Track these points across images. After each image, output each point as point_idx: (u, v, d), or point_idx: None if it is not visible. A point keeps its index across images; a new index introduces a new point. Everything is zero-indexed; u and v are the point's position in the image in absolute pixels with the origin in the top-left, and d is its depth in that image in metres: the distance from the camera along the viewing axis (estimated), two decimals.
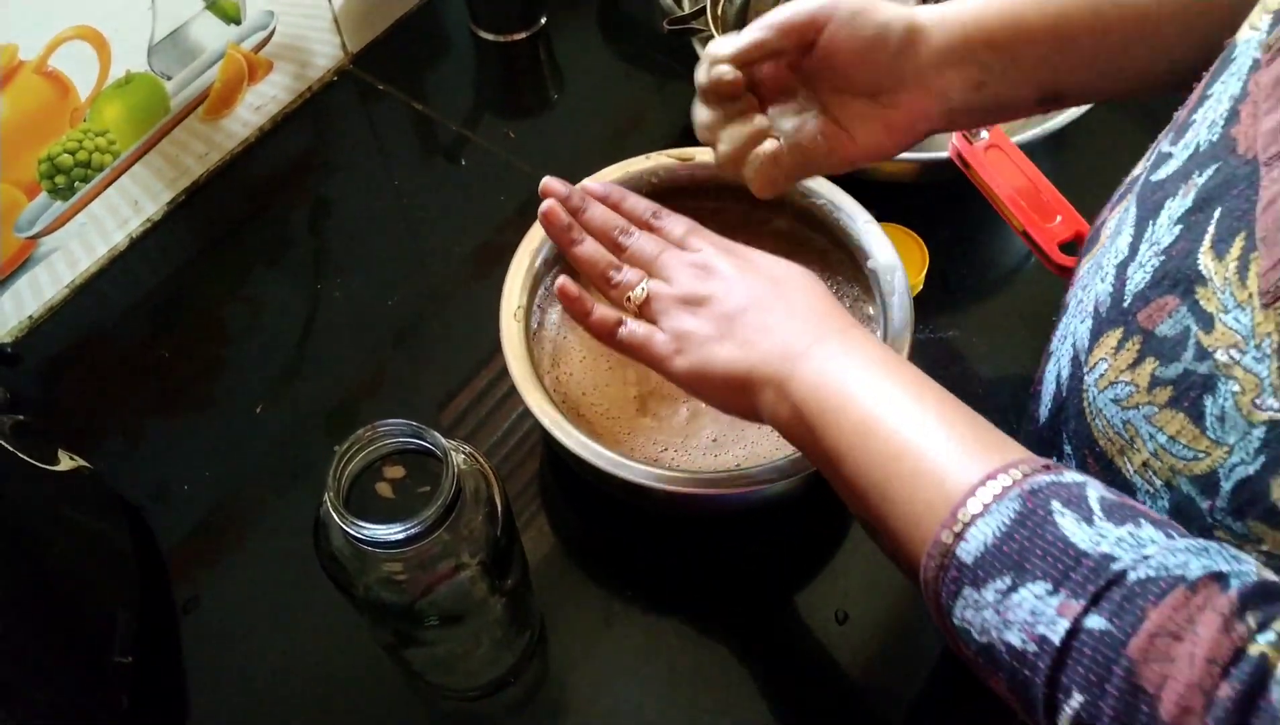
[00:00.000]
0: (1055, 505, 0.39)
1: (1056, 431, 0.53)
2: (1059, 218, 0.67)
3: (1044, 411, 0.56)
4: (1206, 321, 0.41)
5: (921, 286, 0.76)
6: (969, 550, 0.40)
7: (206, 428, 0.77)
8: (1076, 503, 0.39)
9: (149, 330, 0.82)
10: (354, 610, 0.54)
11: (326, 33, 0.92)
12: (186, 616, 0.69)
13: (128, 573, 0.69)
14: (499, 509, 0.55)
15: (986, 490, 0.40)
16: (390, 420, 0.51)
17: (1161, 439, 0.44)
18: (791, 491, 0.64)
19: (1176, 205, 0.45)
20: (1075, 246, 0.66)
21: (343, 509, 0.48)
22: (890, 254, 0.67)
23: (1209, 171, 0.44)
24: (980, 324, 0.78)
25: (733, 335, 0.53)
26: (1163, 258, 0.45)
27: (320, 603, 0.62)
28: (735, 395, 0.53)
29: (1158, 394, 0.44)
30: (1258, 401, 0.39)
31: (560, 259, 0.73)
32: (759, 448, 0.67)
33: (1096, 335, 0.49)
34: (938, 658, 0.68)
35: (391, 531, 0.48)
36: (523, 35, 0.96)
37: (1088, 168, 0.83)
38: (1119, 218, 0.52)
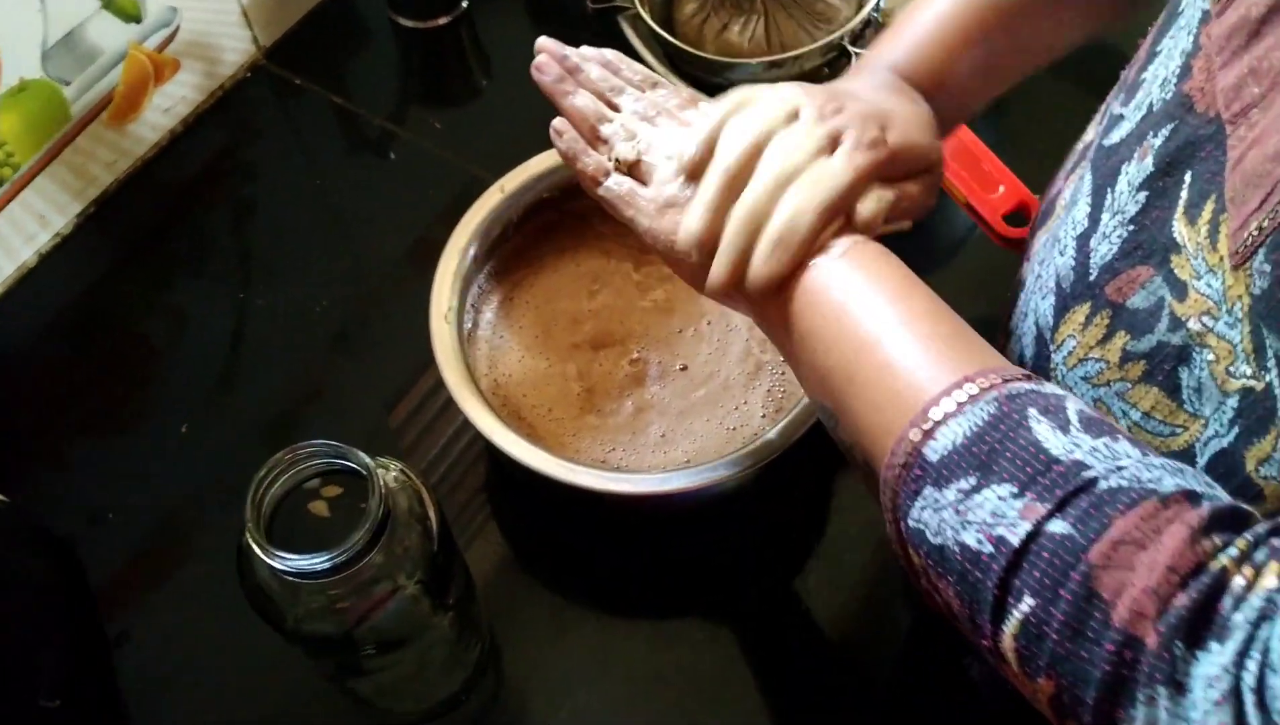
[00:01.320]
0: (1032, 412, 0.37)
1: None
2: (1002, 188, 0.65)
3: None
4: (1180, 290, 0.40)
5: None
6: (936, 449, 0.38)
7: (135, 450, 0.73)
8: (1054, 412, 0.37)
9: (67, 350, 0.78)
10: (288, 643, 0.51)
11: (236, 27, 0.87)
12: (118, 651, 0.66)
13: (53, 610, 0.65)
14: (434, 524, 0.52)
15: (962, 392, 0.39)
16: (312, 442, 0.48)
17: (1135, 416, 0.43)
18: (745, 485, 0.62)
19: (1135, 170, 0.44)
20: (1021, 217, 0.65)
21: (263, 539, 0.46)
22: None
23: (1165, 132, 0.42)
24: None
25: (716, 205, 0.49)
26: (1131, 228, 0.43)
27: (262, 632, 0.58)
28: (703, 268, 0.49)
29: (1130, 369, 0.43)
30: (1231, 369, 0.38)
31: (492, 254, 0.70)
32: (708, 441, 0.64)
33: (1061, 312, 0.47)
34: (904, 645, 0.67)
35: (316, 561, 0.45)
36: (444, 20, 0.93)
37: (1029, 133, 0.81)
38: (1074, 187, 0.51)
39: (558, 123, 0.54)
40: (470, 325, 0.68)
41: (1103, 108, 0.55)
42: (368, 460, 0.47)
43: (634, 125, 0.53)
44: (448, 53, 0.93)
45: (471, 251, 0.67)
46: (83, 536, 0.70)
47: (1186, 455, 0.41)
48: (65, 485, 0.72)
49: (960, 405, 0.38)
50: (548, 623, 0.66)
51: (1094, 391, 0.45)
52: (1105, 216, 0.45)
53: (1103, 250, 0.45)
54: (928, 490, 0.38)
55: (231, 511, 0.69)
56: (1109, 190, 0.45)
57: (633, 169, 0.52)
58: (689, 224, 0.48)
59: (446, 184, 0.84)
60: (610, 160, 0.52)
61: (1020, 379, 0.39)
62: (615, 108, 0.54)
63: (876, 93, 0.52)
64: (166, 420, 0.74)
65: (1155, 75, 0.45)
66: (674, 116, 0.53)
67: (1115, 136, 0.47)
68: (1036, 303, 0.51)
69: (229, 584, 0.66)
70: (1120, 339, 0.43)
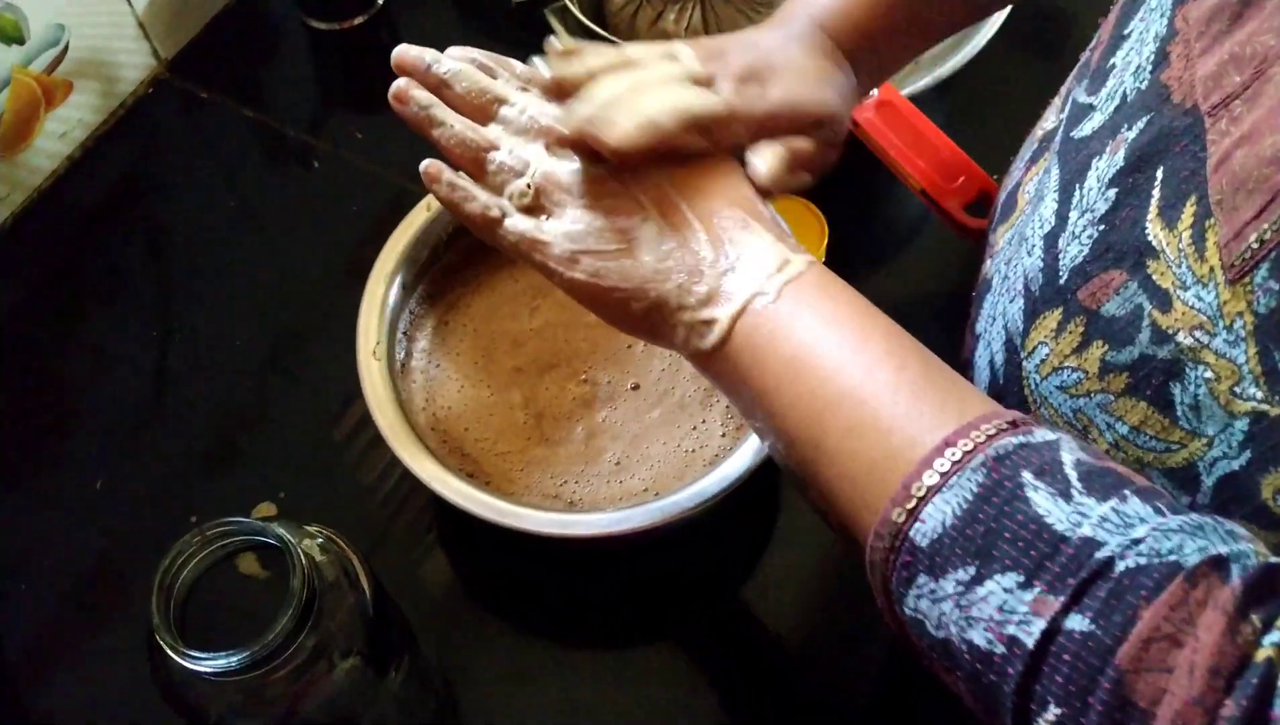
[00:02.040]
0: (1026, 477, 0.33)
1: None
2: (961, 178, 0.61)
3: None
4: (1162, 299, 0.36)
5: (824, 260, 0.70)
6: (924, 532, 0.34)
7: (51, 507, 0.68)
8: (1050, 472, 0.33)
9: None
10: None
11: (133, 40, 0.81)
12: None
13: None
14: (368, 591, 0.47)
15: (944, 459, 0.34)
16: (222, 520, 0.43)
17: (1122, 429, 0.39)
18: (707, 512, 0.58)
19: (1105, 165, 0.40)
20: (982, 207, 0.61)
21: (173, 636, 0.41)
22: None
23: (1140, 124, 0.39)
24: (890, 293, 0.71)
25: (644, 241, 0.43)
26: (1101, 227, 0.39)
27: None
28: (641, 319, 0.44)
29: (1111, 381, 0.39)
30: (1237, 390, 0.34)
31: (422, 277, 0.65)
32: (666, 466, 0.60)
33: (1031, 316, 0.43)
34: (883, 661, 0.64)
35: (236, 659, 0.40)
36: (360, 20, 0.87)
37: (985, 116, 0.77)
38: (1038, 181, 0.47)
39: (429, 166, 0.46)
40: (403, 355, 0.63)
41: (1063, 91, 0.51)
42: (285, 534, 0.42)
43: (522, 150, 0.46)
44: (366, 54, 0.88)
45: (399, 278, 0.62)
46: None
47: (1189, 472, 0.37)
48: None
49: (944, 476, 0.34)
50: (506, 666, 0.62)
51: (1072, 402, 0.41)
52: (1074, 215, 0.41)
53: (1072, 251, 0.41)
54: (922, 578, 0.34)
55: (153, 578, 0.65)
56: (1078, 186, 0.42)
57: (534, 202, 0.45)
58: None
59: (372, 197, 0.79)
60: (505, 197, 0.45)
61: (1006, 430, 0.35)
62: (503, 121, 0.47)
63: (779, 44, 0.48)
64: (84, 469, 0.69)
65: (1126, 62, 0.41)
66: None
67: (1085, 128, 0.43)
68: (1004, 306, 0.47)
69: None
70: (1098, 349, 0.40)
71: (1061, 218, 0.42)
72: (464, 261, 0.66)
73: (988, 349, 0.48)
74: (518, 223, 0.45)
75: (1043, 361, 0.43)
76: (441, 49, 0.48)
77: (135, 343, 0.74)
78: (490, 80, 0.48)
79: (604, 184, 0.44)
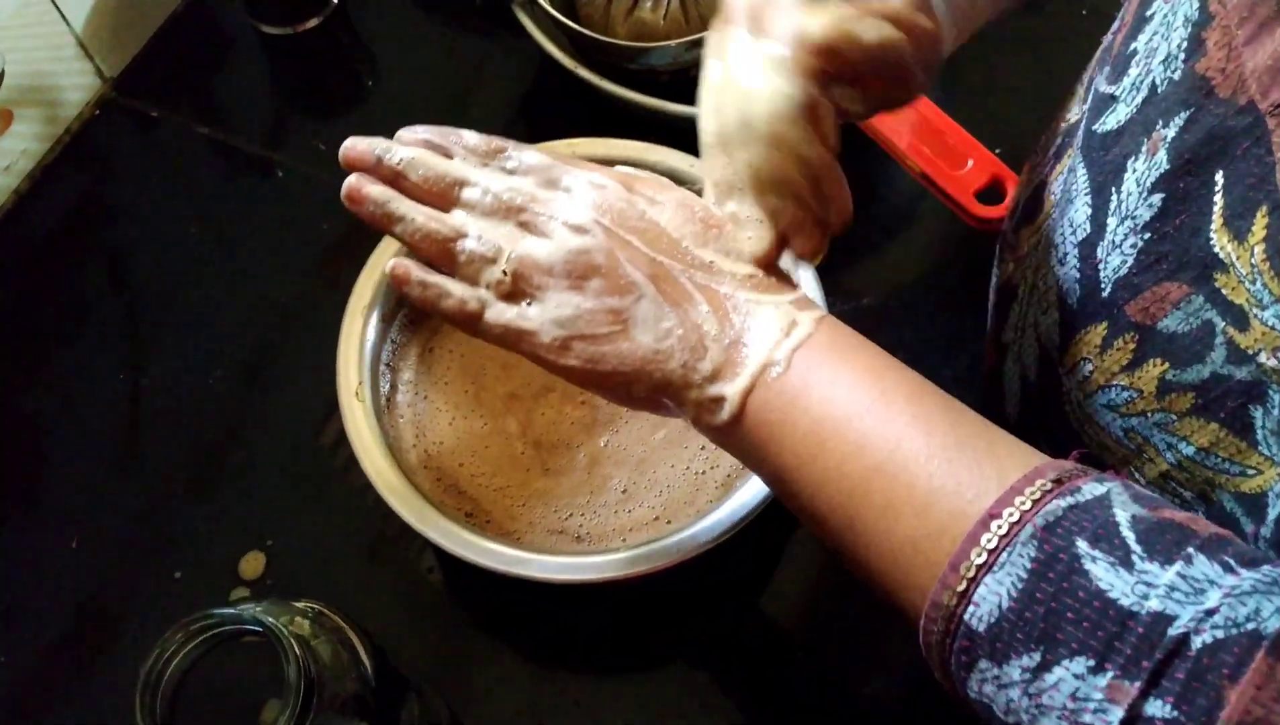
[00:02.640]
0: (1081, 546, 0.30)
1: (1031, 434, 0.45)
2: (970, 162, 0.58)
3: (1012, 409, 0.47)
4: (1237, 316, 0.33)
5: (824, 253, 0.66)
6: (980, 616, 0.31)
7: (24, 567, 0.63)
8: (1106, 537, 0.30)
9: None
10: None
11: (74, 60, 0.76)
12: None
13: None
14: (368, 663, 0.44)
15: (991, 533, 0.32)
16: (206, 613, 0.39)
17: (1187, 450, 0.36)
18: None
19: (1144, 167, 0.36)
20: (996, 193, 0.57)
21: None
22: None
23: (1178, 121, 0.35)
24: (896, 283, 0.69)
25: (639, 320, 0.40)
26: (1147, 236, 0.36)
27: None
28: (647, 400, 0.41)
29: (1173, 401, 0.36)
30: None
31: (403, 305, 0.61)
32: (676, 492, 0.57)
33: (1070, 330, 0.40)
34: (908, 665, 0.61)
35: None
36: (314, 22, 0.82)
37: (988, 95, 0.73)
38: (1063, 180, 0.43)
39: (395, 268, 0.43)
40: (388, 388, 0.59)
41: (1085, 79, 0.47)
42: (274, 624, 0.39)
43: (492, 233, 0.41)
44: (323, 58, 0.83)
45: (377, 310, 0.58)
46: None
47: (1259, 500, 0.34)
48: None
49: (992, 553, 0.31)
50: (521, 701, 0.58)
51: (1123, 421, 0.38)
52: (1112, 221, 0.38)
53: (1114, 262, 0.38)
54: (983, 664, 0.31)
55: (147, 623, 0.61)
56: (1113, 190, 0.38)
57: (514, 288, 0.41)
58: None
59: (340, 212, 0.74)
60: (482, 286, 0.42)
61: (1051, 491, 0.32)
62: (467, 205, 0.43)
63: None
64: (59, 525, 0.64)
65: (1151, 48, 0.38)
66: (545, 188, 0.42)
67: (1109, 122, 0.39)
68: (1036, 317, 0.43)
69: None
70: (1155, 367, 0.36)
71: (1098, 225, 0.39)
72: None
73: (1017, 363, 0.45)
74: (500, 313, 0.41)
75: (1086, 378, 0.40)
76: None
77: (105, 378, 0.70)
78: (447, 163, 0.43)
79: (589, 261, 0.40)
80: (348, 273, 0.60)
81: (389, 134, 0.72)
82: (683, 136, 0.69)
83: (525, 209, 0.41)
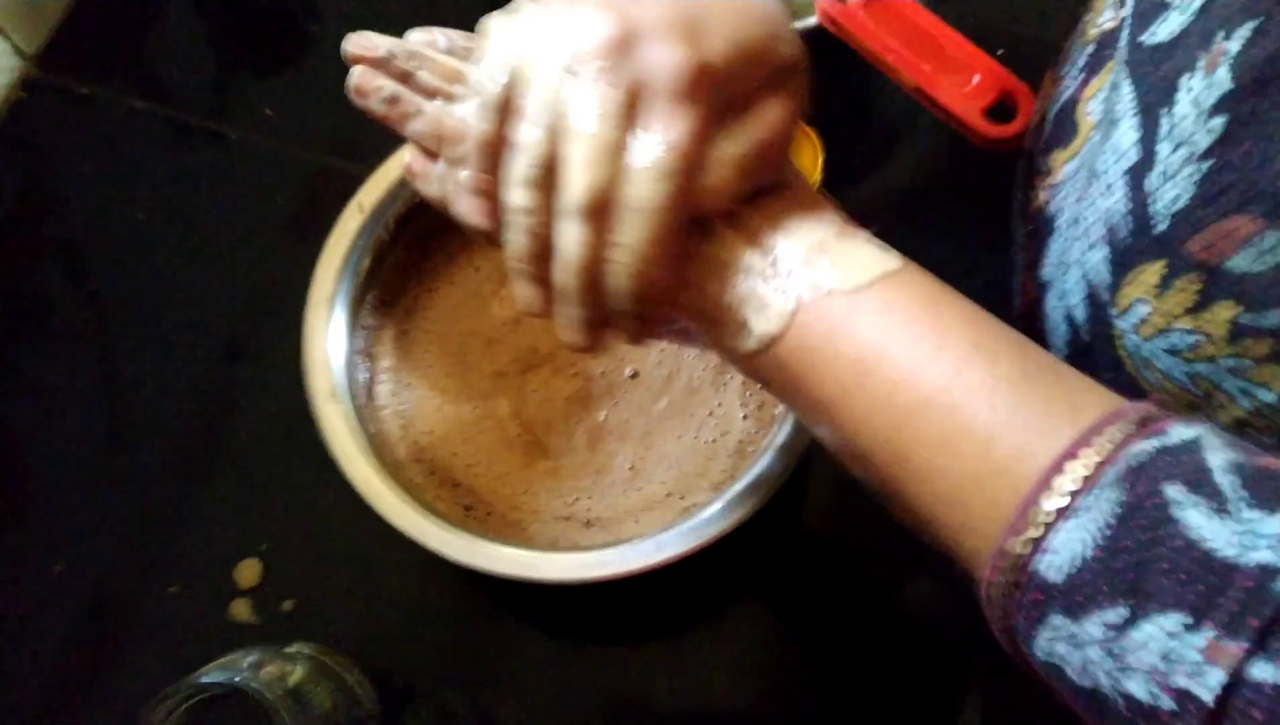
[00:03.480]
0: (1172, 492, 0.27)
1: None
2: (976, 77, 0.52)
3: (1057, 352, 0.43)
4: None
5: (820, 182, 0.61)
6: (1056, 565, 0.28)
7: (3, 591, 0.60)
8: (1200, 481, 0.27)
9: None
10: None
11: None
12: None
13: None
14: (369, 697, 0.41)
15: (1066, 476, 0.28)
16: (192, 683, 0.36)
17: (1268, 397, 0.33)
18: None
19: (1200, 86, 0.32)
20: (1006, 109, 0.52)
21: None
22: None
23: (1243, 33, 0.31)
24: (902, 210, 0.64)
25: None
26: (1209, 164, 0.32)
27: None
28: (681, 330, 0.39)
29: (1247, 346, 0.32)
30: None
31: (371, 285, 0.56)
32: (687, 464, 0.53)
33: (1122, 268, 0.36)
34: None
35: None
36: None
37: (994, 9, 0.67)
38: (1103, 98, 0.39)
39: (413, 162, 0.39)
40: (366, 378, 0.55)
41: None
42: (258, 686, 0.35)
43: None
44: (263, 12, 0.76)
45: (341, 296, 0.54)
46: None
47: None
48: None
49: (1073, 496, 0.28)
50: (543, 682, 0.56)
51: (1187, 366, 0.35)
52: (1163, 147, 0.34)
53: (1170, 193, 0.34)
54: (1057, 619, 0.28)
55: (146, 649, 0.59)
56: (1164, 112, 0.34)
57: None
58: (522, 297, 0.37)
59: (294, 182, 0.70)
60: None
61: (1134, 434, 0.28)
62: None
63: None
64: (41, 548, 0.61)
65: None
66: None
67: (1161, 33, 0.35)
68: (1081, 252, 0.39)
69: None
70: (1225, 310, 0.33)
71: (1147, 150, 0.35)
72: (415, 257, 0.58)
73: (1062, 301, 0.41)
74: None
75: (1143, 321, 0.36)
76: None
77: (77, 378, 0.65)
78: (463, 64, 0.39)
79: None
80: (312, 247, 0.56)
81: (340, 84, 0.67)
82: None
83: None
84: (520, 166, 0.34)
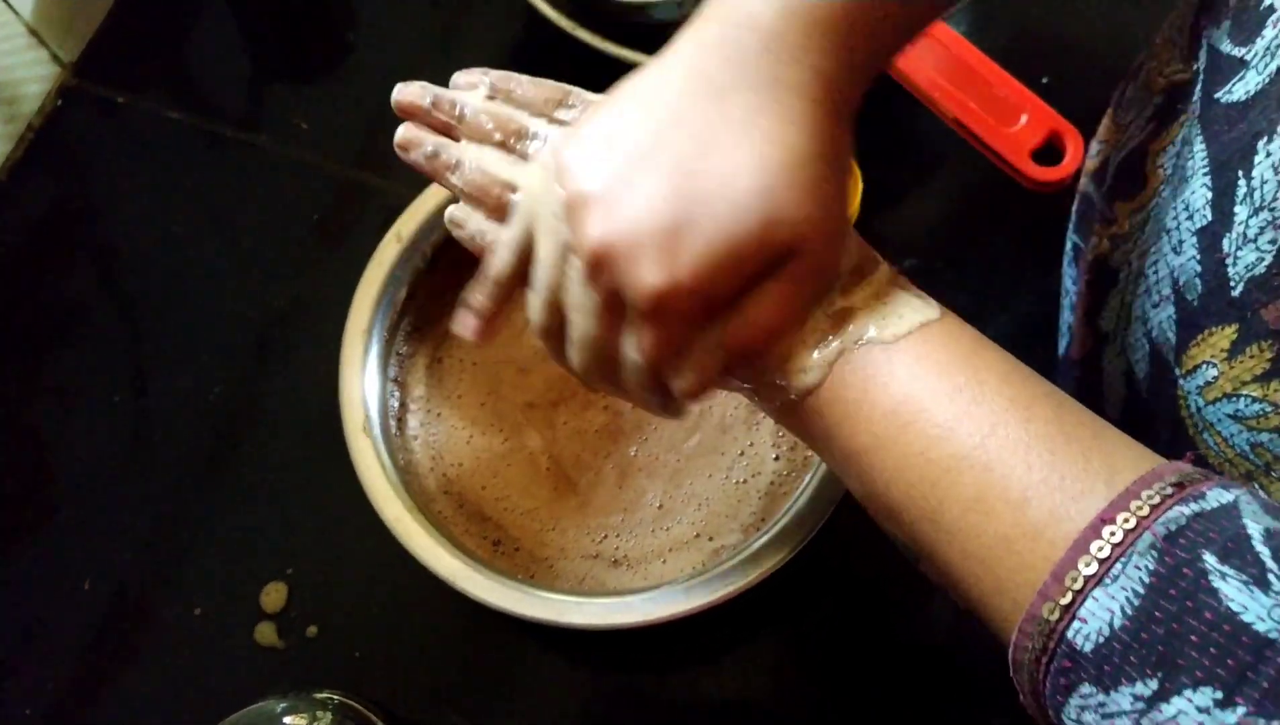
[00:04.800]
0: (1208, 559, 0.26)
1: (1133, 435, 0.40)
2: (1024, 117, 0.51)
3: (1114, 407, 0.42)
4: None
5: (858, 214, 0.60)
6: (1087, 634, 0.28)
7: (33, 607, 0.60)
8: (1238, 551, 0.26)
9: None
10: None
11: (27, 50, 0.70)
12: None
13: None
14: None
15: (1103, 541, 0.28)
16: None
17: None
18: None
19: None
20: (1054, 151, 0.51)
21: None
22: None
23: None
24: (940, 241, 0.63)
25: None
26: None
27: None
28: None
29: None
30: None
31: (405, 313, 0.56)
32: (717, 504, 0.53)
33: (1191, 330, 0.36)
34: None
35: None
36: None
37: (1037, 35, 0.65)
38: (1174, 153, 0.38)
39: (455, 212, 0.39)
40: (397, 407, 0.55)
41: (1179, 23, 0.41)
42: None
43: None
44: (300, 20, 0.76)
45: (378, 328, 0.53)
46: None
47: None
48: None
49: (1104, 563, 0.27)
50: (572, 712, 0.56)
51: (1251, 435, 0.34)
52: (1242, 211, 0.33)
53: (1247, 258, 0.33)
54: (1086, 689, 0.28)
55: (171, 669, 0.59)
56: (1241, 175, 0.33)
57: None
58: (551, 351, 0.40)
59: (326, 197, 0.69)
60: None
61: (1172, 496, 0.28)
62: (527, 157, 0.39)
63: (699, 121, 0.32)
64: (69, 561, 0.61)
65: None
66: None
67: (1238, 92, 0.34)
68: (1144, 309, 0.39)
69: None
70: None
71: (1223, 212, 0.34)
72: (449, 283, 0.57)
73: (1122, 356, 0.40)
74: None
75: (1209, 384, 0.35)
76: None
77: (106, 385, 0.66)
78: (508, 112, 0.39)
79: None
80: (342, 259, 0.55)
81: (375, 96, 0.67)
82: None
83: None
84: (534, 302, 0.37)
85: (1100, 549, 0.28)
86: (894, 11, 0.34)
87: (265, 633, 0.57)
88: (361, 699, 0.42)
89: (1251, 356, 0.33)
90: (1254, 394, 0.33)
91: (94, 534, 0.62)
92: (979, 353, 0.33)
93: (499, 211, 0.38)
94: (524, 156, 0.38)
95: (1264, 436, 0.34)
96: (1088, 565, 0.28)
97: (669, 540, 0.52)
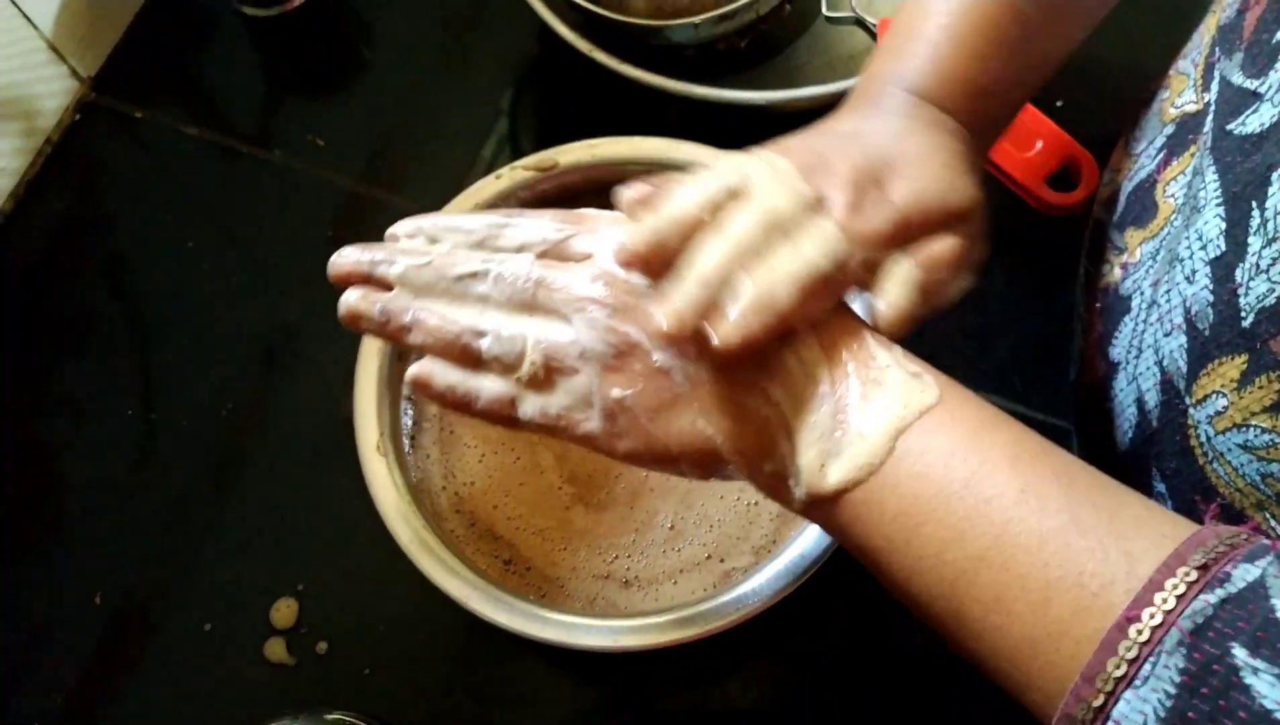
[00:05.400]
0: (1239, 654, 0.26)
1: (1143, 463, 0.40)
2: (1039, 143, 0.51)
3: (1123, 435, 0.42)
4: None
5: None
6: None
7: (41, 617, 0.61)
8: (1269, 640, 0.26)
9: None
10: None
11: (45, 65, 0.70)
12: None
13: None
14: None
15: (1130, 641, 0.28)
16: None
17: None
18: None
19: None
20: (1068, 178, 0.51)
21: None
22: None
23: None
24: None
25: (692, 393, 0.35)
26: None
27: None
28: (713, 470, 0.37)
29: None
30: None
31: None
32: (728, 526, 0.53)
33: (1201, 360, 0.36)
34: None
35: None
36: (300, 0, 0.75)
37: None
38: (1187, 183, 0.38)
39: (417, 374, 0.39)
40: (410, 424, 0.55)
41: (1191, 56, 0.41)
42: None
43: (511, 327, 0.37)
44: (314, 40, 0.76)
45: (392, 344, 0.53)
46: None
47: None
48: None
49: (1133, 663, 0.27)
50: None
51: (1261, 465, 0.34)
52: (1255, 242, 0.33)
53: (1259, 289, 0.33)
54: None
55: (181, 684, 0.59)
56: (1255, 206, 0.33)
57: (547, 379, 0.36)
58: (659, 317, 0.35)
59: (340, 211, 0.70)
60: (513, 382, 0.37)
61: (1196, 582, 0.28)
62: (480, 298, 0.38)
63: (884, 129, 0.39)
64: (80, 572, 0.61)
65: None
66: (558, 265, 0.37)
67: (1251, 124, 0.34)
68: (1157, 339, 0.39)
69: None
70: None
71: (1236, 242, 0.34)
72: None
73: (1133, 384, 0.40)
74: (536, 406, 0.37)
75: (1219, 413, 0.35)
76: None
77: (116, 397, 0.66)
78: (447, 260, 0.38)
79: (626, 338, 0.35)
80: None
81: (388, 113, 0.67)
82: (710, 121, 0.63)
83: (538, 293, 0.36)
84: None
85: (1128, 649, 0.28)
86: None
87: (275, 649, 0.57)
88: (372, 720, 0.41)
89: (1260, 387, 0.33)
90: (1263, 424, 0.33)
91: (104, 547, 0.62)
92: (984, 435, 0.33)
93: (467, 358, 0.38)
94: (475, 298, 0.38)
95: (1274, 467, 0.34)
96: (1117, 667, 0.28)
97: (680, 561, 0.52)
